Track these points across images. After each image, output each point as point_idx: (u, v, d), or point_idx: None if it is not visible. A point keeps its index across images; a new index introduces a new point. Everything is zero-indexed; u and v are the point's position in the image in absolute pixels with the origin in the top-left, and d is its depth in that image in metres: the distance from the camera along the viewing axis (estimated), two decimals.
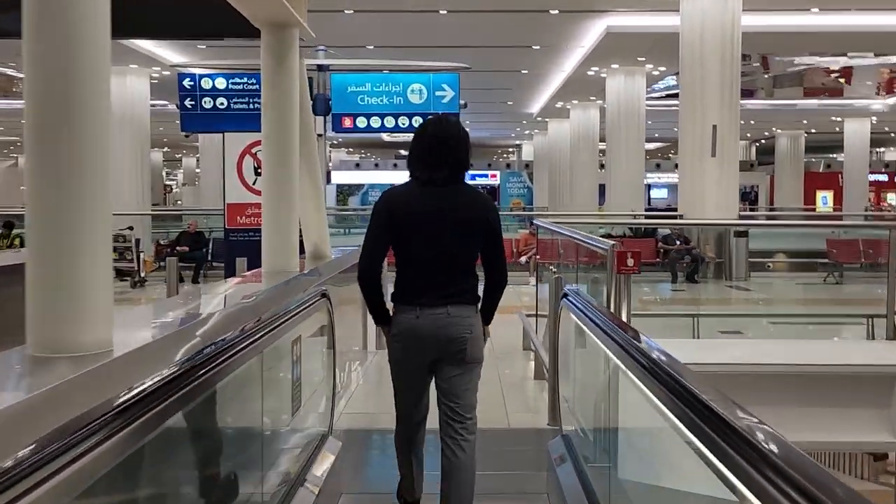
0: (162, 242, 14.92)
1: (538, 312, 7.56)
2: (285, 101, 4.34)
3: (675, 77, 23.61)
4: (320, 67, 11.70)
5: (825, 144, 37.24)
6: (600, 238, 6.01)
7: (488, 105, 26.69)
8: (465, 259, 3.24)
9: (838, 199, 33.80)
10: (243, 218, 6.65)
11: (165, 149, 42.28)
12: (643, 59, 17.36)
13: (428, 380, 3.32)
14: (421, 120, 11.65)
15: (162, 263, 13.78)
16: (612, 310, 4.52)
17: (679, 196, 13.16)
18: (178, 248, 13.80)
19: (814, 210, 33.86)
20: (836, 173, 35.97)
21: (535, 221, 6.59)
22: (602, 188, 28.09)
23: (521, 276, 13.90)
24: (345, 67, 11.90)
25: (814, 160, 40.33)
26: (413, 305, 3.20)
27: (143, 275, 13.08)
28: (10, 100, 22.34)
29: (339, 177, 38.16)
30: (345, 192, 39.84)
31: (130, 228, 12.95)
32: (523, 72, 20.49)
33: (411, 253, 3.21)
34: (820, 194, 36.30)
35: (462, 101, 11.62)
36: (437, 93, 11.57)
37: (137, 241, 12.85)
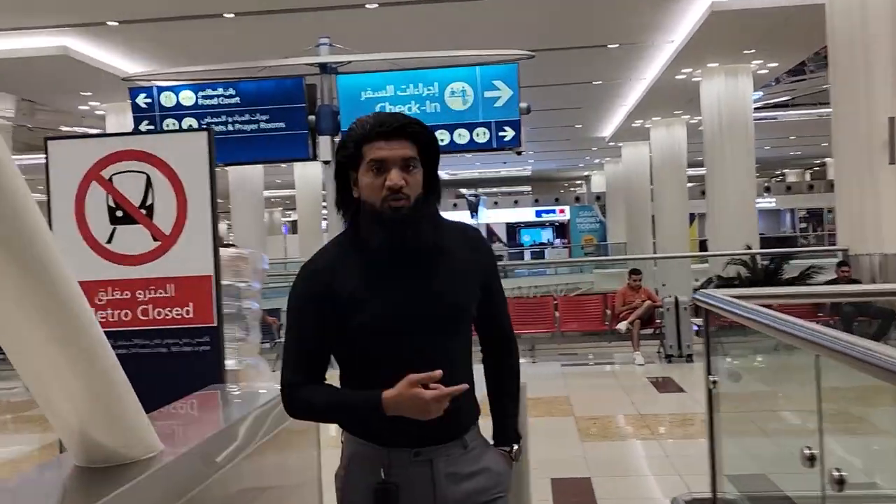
0: None
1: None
2: None
3: (772, 83, 19.96)
4: (324, 67, 8.38)
5: None
6: None
7: (553, 131, 23.60)
8: None
9: None
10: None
11: None
12: (751, 51, 13.70)
13: None
14: (466, 134, 8.22)
15: None
16: None
17: (838, 222, 9.46)
18: None
19: None
20: None
21: (709, 300, 3.02)
22: (692, 218, 24.76)
23: (618, 349, 10.27)
24: (358, 66, 8.54)
25: None
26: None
27: None
28: None
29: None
30: None
31: None
32: (595, 83, 17.07)
33: None
34: None
35: (524, 104, 8.15)
36: (488, 93, 8.14)
37: None
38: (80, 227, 3.29)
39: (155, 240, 3.29)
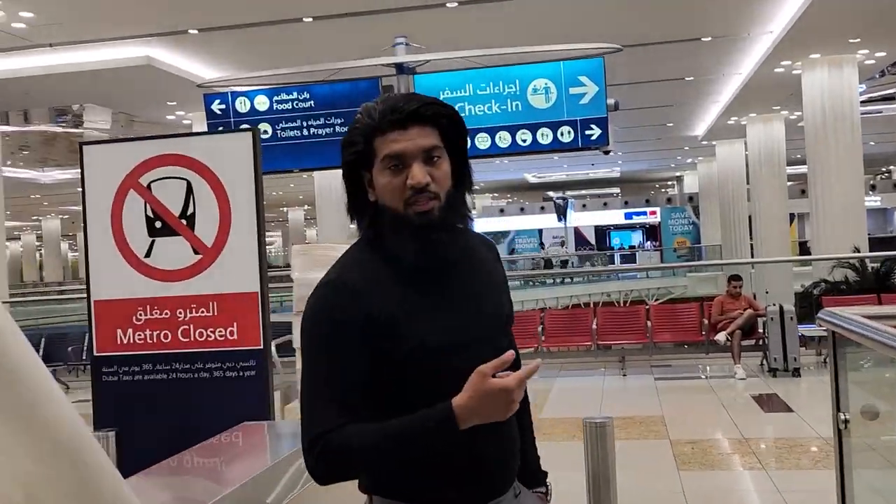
0: None
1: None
2: None
3: (876, 75, 18.78)
4: (400, 68, 8.05)
5: None
6: None
7: (642, 131, 22.84)
8: None
9: None
10: (129, 333, 3.02)
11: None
12: (856, 39, 12.76)
13: None
14: (550, 133, 7.75)
15: None
16: None
17: None
18: None
19: None
20: None
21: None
22: (791, 218, 23.63)
23: (716, 361, 9.60)
24: (436, 65, 8.18)
25: None
26: None
27: None
28: None
29: (482, 224, 35.21)
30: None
31: None
32: (688, 79, 16.29)
33: None
34: None
35: (611, 101, 7.63)
36: (573, 90, 7.64)
37: None
38: (116, 239, 3.00)
39: (196, 253, 2.98)
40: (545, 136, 7.72)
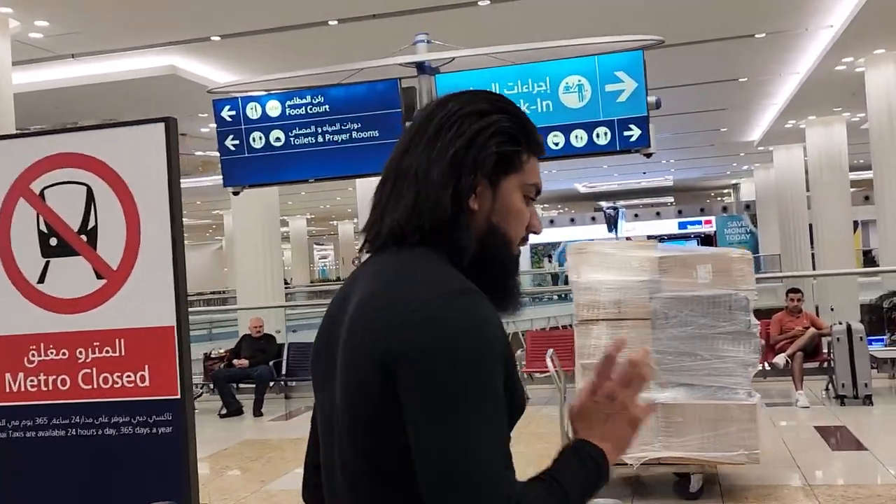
0: (213, 355, 10.51)
1: None
2: None
3: None
4: (422, 67, 7.44)
5: None
6: None
7: (695, 137, 22.00)
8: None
9: None
10: (20, 378, 2.41)
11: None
12: None
13: None
14: (584, 135, 7.05)
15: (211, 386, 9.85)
16: None
17: None
18: (235, 361, 9.69)
19: None
20: None
21: None
22: (855, 226, 22.47)
23: (776, 386, 8.71)
24: (460, 64, 7.52)
25: None
26: None
27: None
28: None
29: (533, 236, 34.79)
30: (539, 251, 36.86)
31: None
32: (741, 80, 15.41)
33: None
34: None
35: (652, 98, 6.89)
36: (609, 87, 6.92)
37: None
38: (3, 260, 2.39)
39: (99, 277, 2.36)
40: (579, 138, 7.01)
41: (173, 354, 2.30)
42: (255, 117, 7.68)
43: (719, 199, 43.18)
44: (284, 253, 51.17)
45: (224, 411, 9.26)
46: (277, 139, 7.61)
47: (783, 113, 18.03)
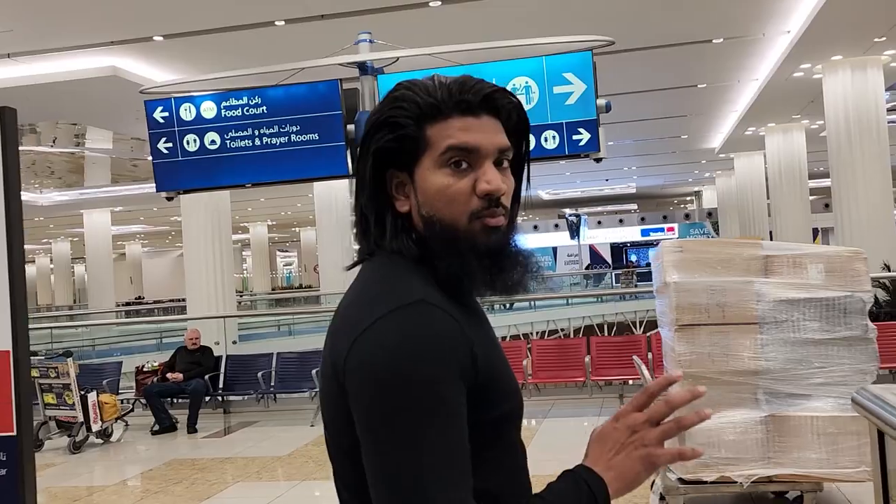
0: (146, 369, 9.92)
1: None
2: None
3: None
4: (363, 68, 7.13)
5: None
6: None
7: (657, 144, 22.00)
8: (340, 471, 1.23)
9: None
10: None
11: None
12: (882, 38, 11.73)
13: None
14: (532, 139, 6.72)
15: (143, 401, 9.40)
16: None
17: None
18: (168, 374, 9.24)
19: None
20: None
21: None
22: (815, 233, 22.52)
23: None
24: (404, 64, 7.24)
25: None
26: None
27: (97, 427, 8.33)
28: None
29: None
30: None
31: (67, 354, 8.39)
32: (700, 86, 15.32)
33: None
34: None
35: (602, 101, 6.66)
36: (557, 89, 6.68)
37: (77, 374, 8.07)
38: None
39: None
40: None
41: (8, 384, 1.98)
42: (188, 119, 7.33)
43: (682, 206, 43.47)
44: (246, 260, 50.54)
45: (156, 427, 8.82)
46: (212, 142, 7.27)
47: (743, 120, 18.01)
